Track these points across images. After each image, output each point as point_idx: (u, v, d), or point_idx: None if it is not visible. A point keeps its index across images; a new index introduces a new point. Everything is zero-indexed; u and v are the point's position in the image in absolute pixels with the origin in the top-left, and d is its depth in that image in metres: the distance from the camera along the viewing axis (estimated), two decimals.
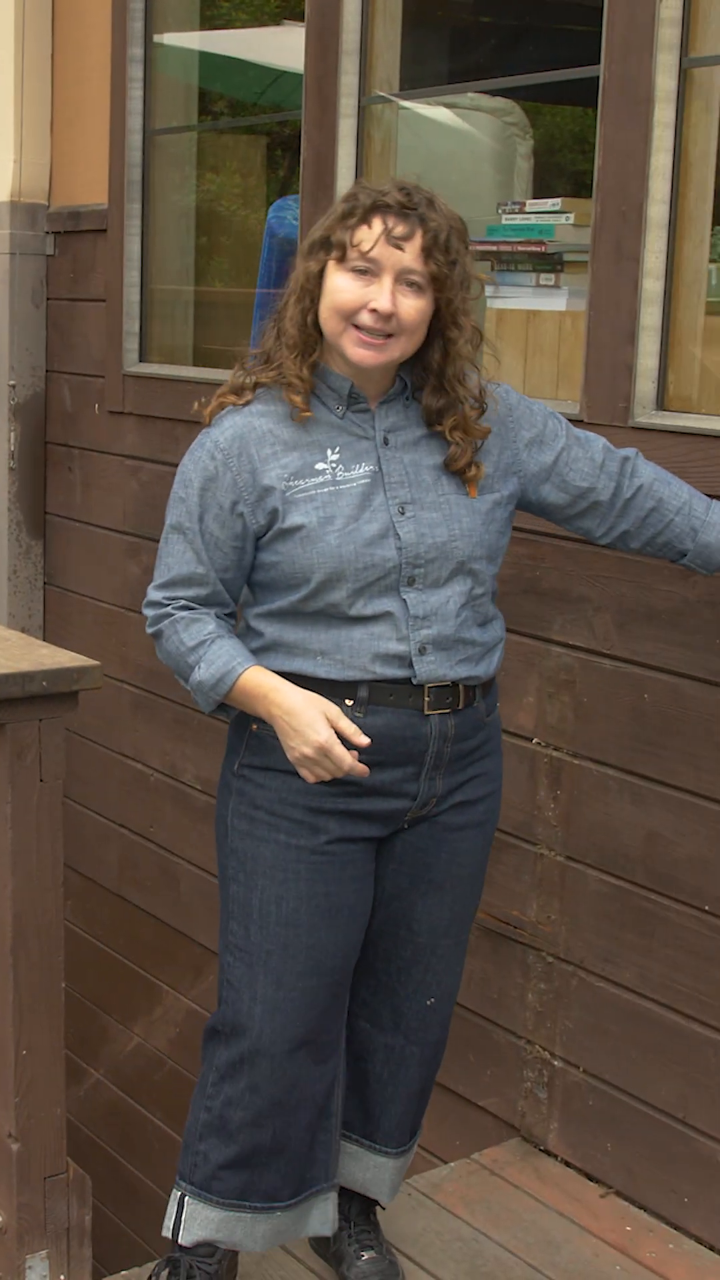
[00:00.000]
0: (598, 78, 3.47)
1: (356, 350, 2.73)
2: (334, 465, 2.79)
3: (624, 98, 3.42)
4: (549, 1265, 3.46)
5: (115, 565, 5.43)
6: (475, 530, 2.85)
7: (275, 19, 8.72)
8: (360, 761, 2.76)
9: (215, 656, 2.78)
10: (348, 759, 2.71)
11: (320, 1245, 3.40)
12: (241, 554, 2.81)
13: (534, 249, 3.97)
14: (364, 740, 2.72)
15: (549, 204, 4.02)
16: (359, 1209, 3.34)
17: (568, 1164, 3.83)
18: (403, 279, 2.70)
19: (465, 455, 2.83)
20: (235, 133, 8.31)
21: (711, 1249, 3.51)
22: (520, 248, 3.98)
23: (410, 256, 2.69)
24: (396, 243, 2.68)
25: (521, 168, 4.88)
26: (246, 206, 7.09)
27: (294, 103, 4.36)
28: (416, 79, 4.63)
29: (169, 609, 2.83)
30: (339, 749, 2.71)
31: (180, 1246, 3.10)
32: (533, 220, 4.01)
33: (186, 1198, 3.07)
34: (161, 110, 5.29)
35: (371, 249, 2.68)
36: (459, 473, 2.85)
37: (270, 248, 4.81)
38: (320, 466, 2.78)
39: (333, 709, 2.73)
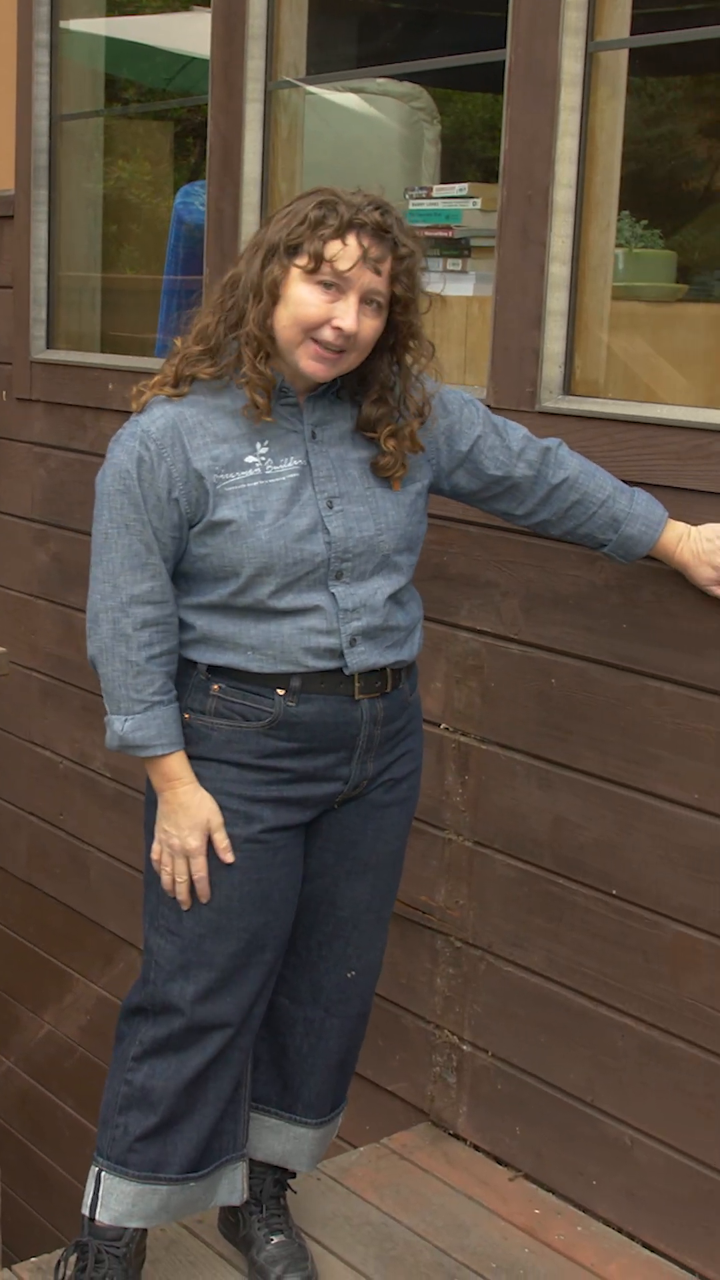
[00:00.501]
0: (504, 61, 3.47)
1: (311, 364, 2.74)
2: (263, 458, 2.79)
3: (530, 81, 3.42)
4: (458, 1249, 3.47)
5: (24, 552, 5.39)
6: (400, 523, 2.89)
7: (184, 4, 8.68)
8: (295, 749, 2.87)
9: (148, 723, 2.83)
10: (200, 874, 2.89)
11: (229, 1229, 3.40)
12: (178, 544, 2.81)
13: (441, 234, 3.97)
14: (229, 858, 2.88)
15: (456, 189, 4.02)
16: (270, 1190, 3.34)
17: (476, 1148, 3.84)
18: (367, 298, 2.71)
19: (396, 464, 2.86)
20: (145, 119, 8.26)
21: (619, 1231, 3.53)
22: (427, 233, 3.98)
23: (380, 280, 2.71)
24: (373, 265, 2.69)
25: (429, 153, 4.88)
26: (156, 194, 7.06)
27: (203, 89, 4.34)
28: (325, 64, 4.63)
29: (130, 638, 2.80)
30: (200, 862, 2.88)
31: (90, 1230, 3.11)
32: (440, 205, 4.01)
33: (104, 1173, 3.09)
34: (69, 96, 5.24)
35: (349, 269, 2.67)
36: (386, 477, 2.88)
37: (178, 234, 4.80)
38: (250, 460, 2.78)
39: (217, 819, 2.88)
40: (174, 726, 2.85)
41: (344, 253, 2.67)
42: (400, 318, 2.77)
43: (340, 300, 2.69)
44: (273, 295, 2.72)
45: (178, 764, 2.87)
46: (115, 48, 6.17)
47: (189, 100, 6.58)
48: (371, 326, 2.74)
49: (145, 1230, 3.18)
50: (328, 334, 2.70)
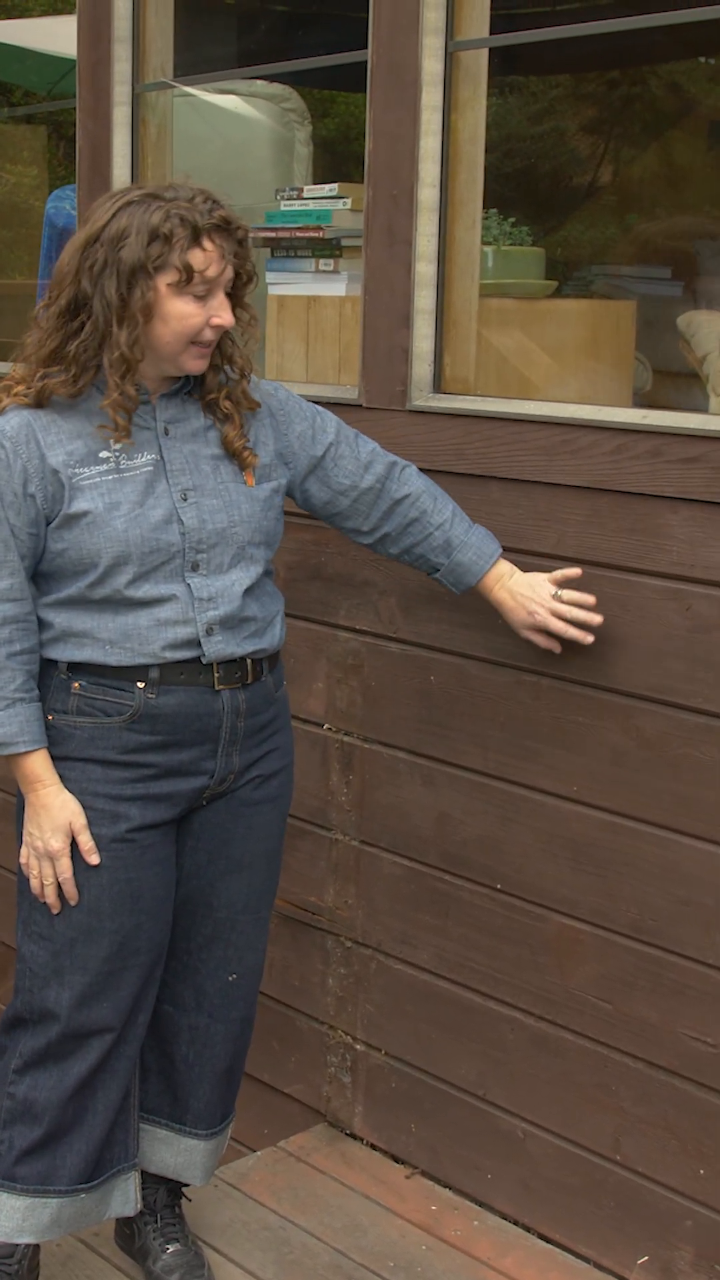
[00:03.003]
0: (366, 62, 3.48)
1: (196, 363, 2.82)
2: (117, 454, 2.83)
3: (392, 81, 3.43)
4: (355, 1249, 3.47)
5: None
6: (254, 516, 2.93)
7: (72, 8, 8.63)
8: (158, 743, 2.88)
9: (9, 720, 2.84)
10: (65, 875, 2.89)
11: (125, 1241, 3.39)
12: (37, 541, 2.82)
13: (312, 235, 3.97)
14: (94, 860, 2.89)
15: (326, 189, 4.02)
16: (165, 1200, 3.34)
17: (374, 1147, 3.85)
18: (225, 287, 2.79)
19: (236, 431, 2.91)
20: (34, 124, 8.20)
21: (515, 1223, 3.54)
22: (299, 233, 3.98)
23: (232, 269, 2.79)
24: (232, 261, 2.77)
25: (301, 154, 4.88)
26: (31, 197, 7.02)
27: None
28: (196, 65, 4.60)
29: None
30: (65, 863, 2.88)
31: None
32: (310, 206, 4.01)
33: None
34: None
35: (219, 274, 2.75)
36: (235, 456, 2.92)
37: (50, 238, 4.77)
38: (104, 455, 2.82)
39: (80, 820, 2.89)
40: (36, 724, 2.86)
41: (207, 258, 2.73)
42: (240, 289, 2.85)
43: (210, 299, 2.77)
44: (147, 317, 2.75)
45: (40, 764, 2.87)
46: None
47: (53, 104, 6.54)
48: (231, 308, 2.82)
49: (38, 1246, 3.16)
50: (208, 334, 2.79)
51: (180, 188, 2.77)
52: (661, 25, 3.23)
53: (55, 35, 6.88)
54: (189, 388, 2.91)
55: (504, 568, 3.17)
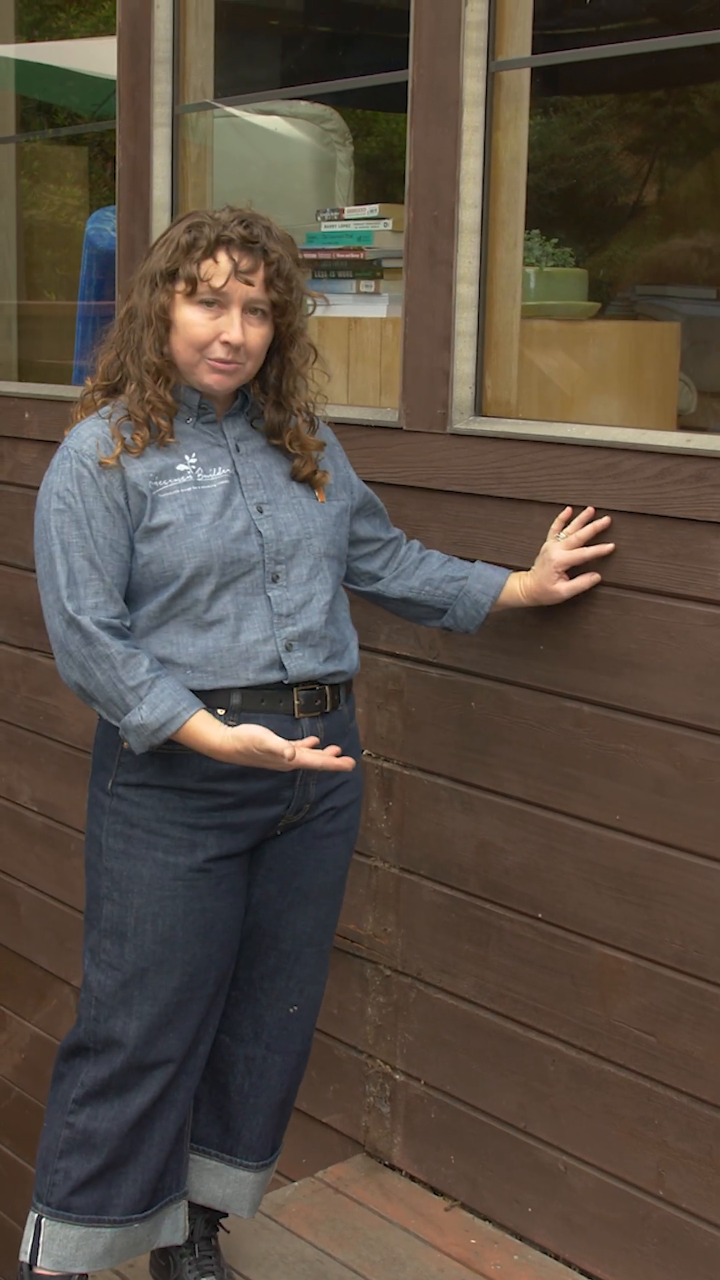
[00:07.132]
0: (407, 82, 3.45)
1: (212, 377, 2.83)
2: (193, 467, 2.85)
3: (432, 101, 3.40)
4: None
5: None
6: (328, 529, 2.95)
7: (114, 30, 8.65)
8: (237, 771, 2.81)
9: (159, 700, 2.75)
10: (286, 752, 2.66)
11: (160, 1272, 3.36)
12: (127, 557, 2.81)
13: (353, 256, 3.95)
14: (289, 752, 2.67)
15: (367, 210, 4.00)
16: (202, 1231, 3.31)
17: (413, 1178, 3.80)
18: (249, 308, 2.80)
19: (308, 464, 2.95)
20: (76, 145, 8.20)
21: (556, 1258, 3.49)
22: (339, 255, 3.96)
23: (256, 289, 2.80)
24: (244, 277, 2.78)
25: (343, 174, 4.86)
26: (74, 217, 7.02)
27: None
28: (237, 86, 4.59)
29: (97, 635, 2.75)
30: (276, 742, 2.65)
31: (35, 1274, 3.05)
32: (351, 227, 4.00)
33: (44, 1219, 3.04)
34: None
35: (223, 285, 2.77)
36: (305, 480, 2.96)
37: (90, 260, 4.76)
38: (181, 468, 2.84)
39: (257, 730, 2.69)
40: (184, 690, 2.77)
41: (217, 270, 2.78)
42: (279, 320, 2.86)
43: (224, 315, 2.80)
44: (164, 321, 2.82)
45: (203, 724, 2.74)
46: (32, 71, 6.13)
47: (102, 125, 6.53)
48: (258, 334, 2.83)
49: (87, 1276, 3.13)
50: (218, 350, 2.81)
51: (231, 208, 2.83)
52: (701, 45, 3.18)
53: (97, 57, 6.89)
54: (249, 407, 2.95)
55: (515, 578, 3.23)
